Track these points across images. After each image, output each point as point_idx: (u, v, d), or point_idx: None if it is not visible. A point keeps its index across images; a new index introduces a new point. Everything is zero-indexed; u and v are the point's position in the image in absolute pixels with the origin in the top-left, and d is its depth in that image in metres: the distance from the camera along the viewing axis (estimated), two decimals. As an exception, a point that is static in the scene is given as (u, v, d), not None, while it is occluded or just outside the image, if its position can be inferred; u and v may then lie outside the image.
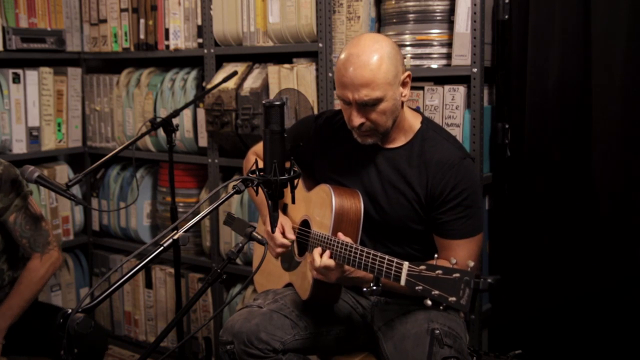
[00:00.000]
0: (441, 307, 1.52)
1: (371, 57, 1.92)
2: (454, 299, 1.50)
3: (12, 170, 2.38)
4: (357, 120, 1.97)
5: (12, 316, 2.34)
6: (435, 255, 1.66)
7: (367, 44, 1.96)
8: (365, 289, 1.79)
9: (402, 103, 2.03)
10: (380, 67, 1.92)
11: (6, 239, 2.42)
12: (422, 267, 1.60)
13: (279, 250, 2.16)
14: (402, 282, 1.66)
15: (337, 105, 2.71)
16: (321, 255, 1.93)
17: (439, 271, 1.55)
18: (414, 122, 2.10)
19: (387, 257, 1.75)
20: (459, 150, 2.06)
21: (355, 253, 1.85)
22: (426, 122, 2.12)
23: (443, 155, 2.02)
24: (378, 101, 1.94)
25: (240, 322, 2.04)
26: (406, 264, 1.66)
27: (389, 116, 1.98)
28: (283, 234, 2.15)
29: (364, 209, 2.06)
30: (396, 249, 2.09)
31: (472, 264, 1.52)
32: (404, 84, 2.00)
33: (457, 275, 1.51)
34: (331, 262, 1.91)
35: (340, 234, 1.94)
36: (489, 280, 1.47)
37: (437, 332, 1.74)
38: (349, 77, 1.93)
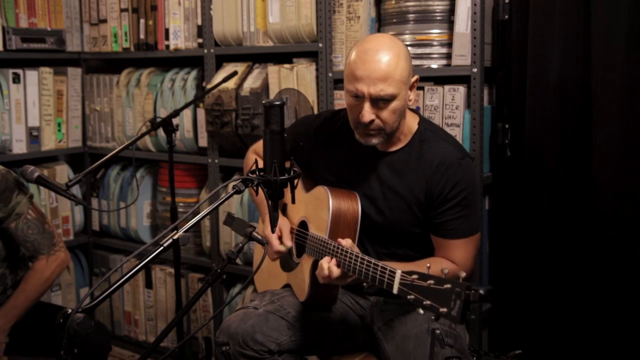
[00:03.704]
0: (433, 317, 1.51)
1: (389, 53, 1.90)
2: (445, 309, 1.48)
3: (10, 177, 2.35)
4: (368, 116, 1.92)
5: (16, 316, 2.34)
6: (428, 265, 1.62)
7: (385, 41, 1.95)
8: (365, 284, 1.78)
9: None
10: (398, 64, 1.90)
11: (7, 245, 2.42)
12: (415, 276, 1.58)
13: (275, 256, 2.16)
14: (395, 291, 1.65)
15: (337, 105, 2.70)
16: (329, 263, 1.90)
17: (431, 281, 1.53)
18: (412, 123, 2.08)
19: (380, 264, 1.73)
20: (457, 150, 2.05)
21: (350, 257, 1.83)
22: (423, 122, 2.11)
23: (442, 157, 2.00)
24: (392, 98, 1.91)
25: (235, 323, 2.04)
26: (399, 272, 1.64)
27: (398, 116, 1.96)
28: (280, 238, 2.14)
29: (363, 212, 2.05)
30: (396, 250, 2.09)
31: (463, 274, 1.51)
32: (411, 87, 1.99)
33: (449, 286, 1.49)
34: (337, 272, 1.87)
35: (345, 240, 1.90)
36: (480, 292, 1.45)
37: (438, 332, 1.74)
38: (365, 70, 1.89)
